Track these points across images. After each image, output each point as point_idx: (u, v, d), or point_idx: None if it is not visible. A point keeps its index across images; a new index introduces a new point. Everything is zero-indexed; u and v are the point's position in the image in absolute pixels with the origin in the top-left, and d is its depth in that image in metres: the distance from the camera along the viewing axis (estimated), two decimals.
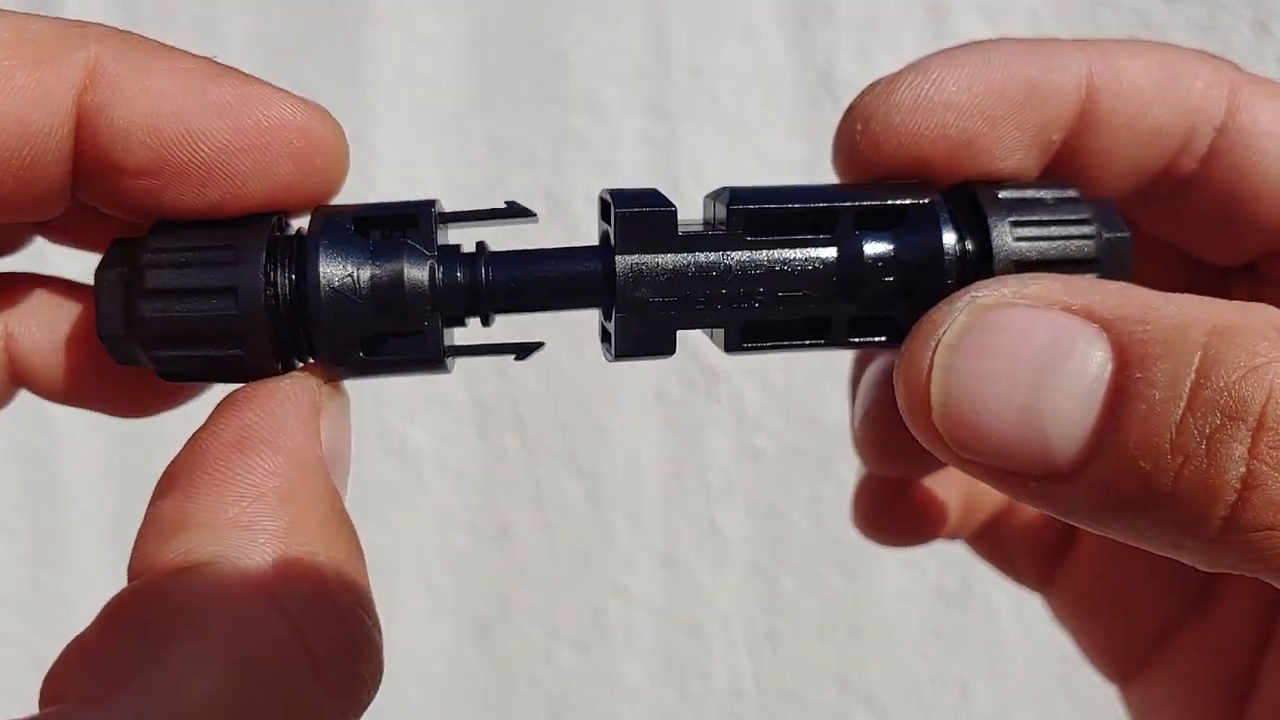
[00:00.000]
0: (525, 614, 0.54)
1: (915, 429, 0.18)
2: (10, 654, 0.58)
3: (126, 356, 0.19)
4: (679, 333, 0.20)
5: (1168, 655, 0.26)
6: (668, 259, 0.19)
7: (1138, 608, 0.26)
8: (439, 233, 0.19)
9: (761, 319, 0.20)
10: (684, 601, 0.53)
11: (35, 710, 0.16)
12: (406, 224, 0.19)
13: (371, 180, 0.56)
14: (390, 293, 0.19)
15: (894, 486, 0.27)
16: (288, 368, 0.19)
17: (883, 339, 0.20)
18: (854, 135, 0.21)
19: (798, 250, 0.19)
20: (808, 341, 0.20)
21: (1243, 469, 0.15)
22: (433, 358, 0.19)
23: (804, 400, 0.52)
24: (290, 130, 0.19)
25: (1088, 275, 0.19)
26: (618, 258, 0.19)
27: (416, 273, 0.19)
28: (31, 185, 0.18)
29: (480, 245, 0.20)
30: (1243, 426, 0.15)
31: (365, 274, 0.18)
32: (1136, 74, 0.21)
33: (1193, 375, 0.16)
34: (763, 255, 0.19)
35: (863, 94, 0.21)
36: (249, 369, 0.19)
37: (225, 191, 0.19)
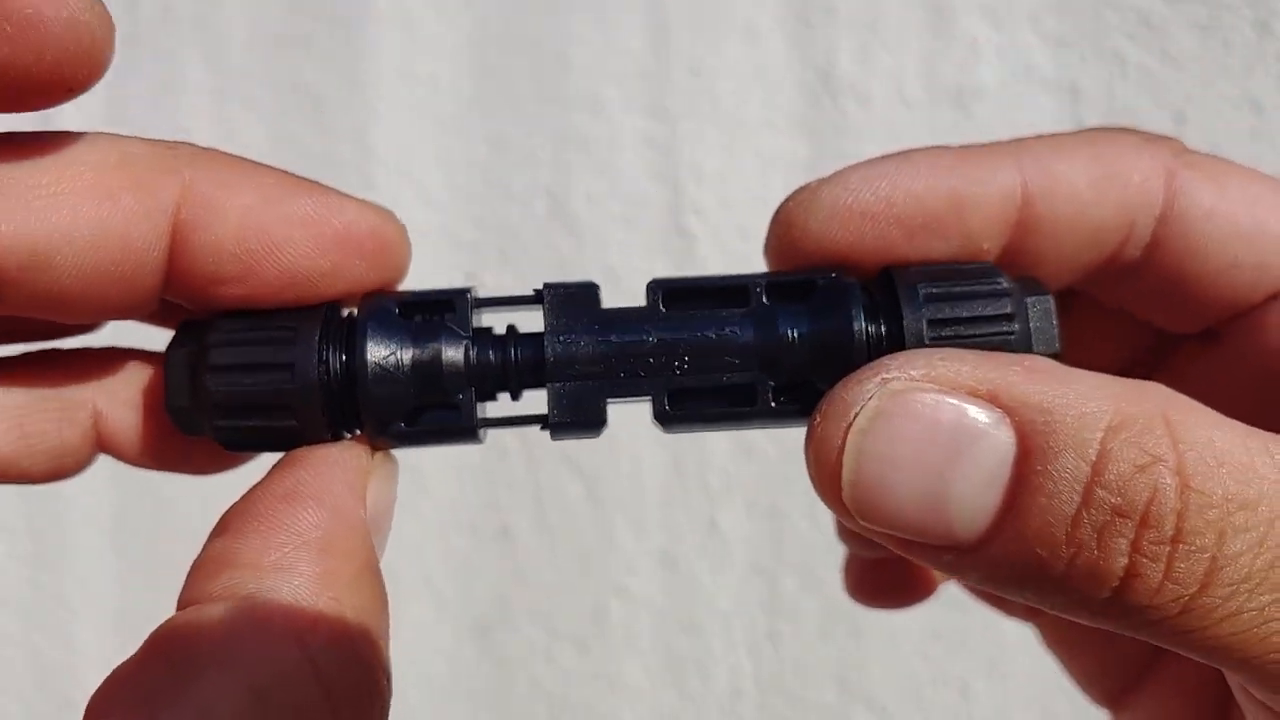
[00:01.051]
0: (526, 614, 0.54)
1: (826, 501, 0.18)
2: (10, 654, 0.58)
3: (192, 427, 0.21)
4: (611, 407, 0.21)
5: (1153, 680, 0.26)
6: (593, 333, 0.21)
7: (1122, 639, 0.26)
8: (474, 316, 0.21)
9: (686, 386, 0.21)
10: (684, 601, 0.53)
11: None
12: (445, 308, 0.21)
13: (371, 180, 0.56)
14: (430, 371, 0.20)
15: (880, 561, 0.29)
16: (336, 438, 0.21)
17: (803, 411, 0.21)
18: (778, 237, 0.22)
19: (713, 316, 0.21)
20: (737, 409, 0.21)
21: (1125, 560, 0.16)
22: (467, 429, 0.21)
23: None
24: (364, 235, 0.21)
25: (999, 350, 0.19)
26: (546, 336, 0.21)
27: (453, 353, 0.21)
28: (129, 292, 0.20)
29: (510, 329, 0.22)
30: (1129, 523, 0.16)
31: (408, 354, 0.21)
32: (1073, 177, 0.22)
33: (1088, 473, 0.16)
34: (680, 322, 0.21)
35: (789, 197, 0.22)
36: (302, 438, 0.21)
37: (304, 292, 0.21)
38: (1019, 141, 0.22)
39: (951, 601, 0.54)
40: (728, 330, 0.21)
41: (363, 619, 0.19)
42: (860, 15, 0.53)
